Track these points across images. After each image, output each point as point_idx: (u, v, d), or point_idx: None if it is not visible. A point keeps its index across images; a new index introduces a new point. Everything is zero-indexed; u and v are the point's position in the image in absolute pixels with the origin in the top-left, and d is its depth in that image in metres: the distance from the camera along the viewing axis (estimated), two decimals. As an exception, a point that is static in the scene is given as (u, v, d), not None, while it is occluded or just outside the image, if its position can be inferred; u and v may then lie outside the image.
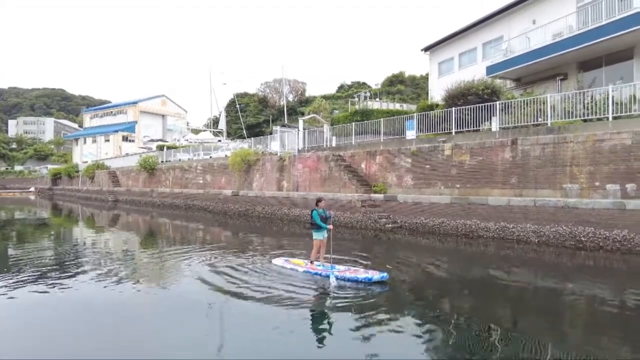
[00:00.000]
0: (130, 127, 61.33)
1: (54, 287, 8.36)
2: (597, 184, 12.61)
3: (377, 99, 37.52)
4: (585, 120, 14.31)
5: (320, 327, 6.41)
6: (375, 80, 69.71)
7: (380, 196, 17.92)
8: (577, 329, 6.35)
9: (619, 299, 7.84)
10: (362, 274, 8.73)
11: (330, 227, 9.21)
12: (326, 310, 7.09)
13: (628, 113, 13.52)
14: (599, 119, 13.99)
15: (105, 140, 61.13)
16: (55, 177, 57.95)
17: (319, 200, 9.61)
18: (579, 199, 12.72)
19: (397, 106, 33.63)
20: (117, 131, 60.22)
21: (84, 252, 12.97)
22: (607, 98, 13.82)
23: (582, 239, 12.08)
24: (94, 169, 46.05)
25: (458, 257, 12.03)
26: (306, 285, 8.37)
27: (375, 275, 8.47)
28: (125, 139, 59.98)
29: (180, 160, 35.89)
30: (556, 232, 12.63)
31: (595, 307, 7.36)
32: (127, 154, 49.32)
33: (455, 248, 13.12)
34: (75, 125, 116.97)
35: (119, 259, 11.57)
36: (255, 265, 10.19)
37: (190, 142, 44.51)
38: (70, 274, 9.51)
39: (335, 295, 7.79)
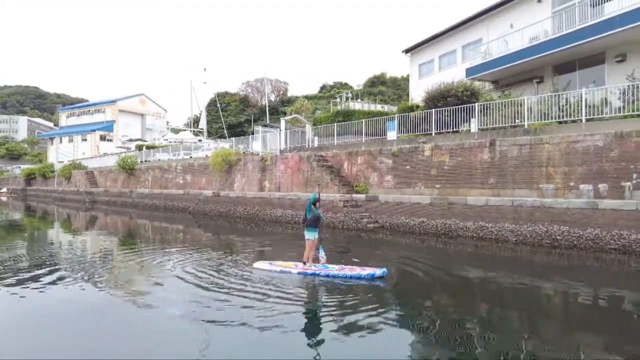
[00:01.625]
0: (109, 126, 60.04)
1: (24, 290, 8.12)
2: (571, 184, 12.98)
3: (359, 100, 37.76)
4: (560, 122, 14.71)
5: (315, 328, 6.34)
6: (357, 81, 70.07)
7: (362, 196, 18.03)
8: (553, 327, 6.51)
9: (592, 297, 8.08)
10: (362, 270, 8.88)
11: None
12: (320, 312, 7.08)
13: (600, 115, 13.99)
14: (573, 121, 14.40)
15: (83, 140, 59.69)
16: (29, 178, 56.27)
17: (316, 201, 9.63)
18: (555, 198, 13.06)
19: (379, 107, 33.93)
20: (94, 130, 58.87)
21: (57, 256, 12.59)
22: (581, 101, 14.25)
23: (558, 237, 12.42)
24: (70, 169, 44.87)
25: (439, 256, 12.18)
26: (296, 287, 8.29)
27: (377, 271, 8.76)
28: (103, 138, 58.69)
29: (159, 160, 35.34)
30: (533, 231, 12.95)
31: (570, 305, 7.59)
32: (105, 154, 48.28)
33: (436, 247, 13.30)
34: (51, 124, 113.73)
35: (94, 263, 11.19)
36: (240, 269, 9.88)
37: (170, 141, 43.88)
38: (41, 279, 9.13)
39: (329, 295, 7.83)
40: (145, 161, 36.71)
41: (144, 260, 11.30)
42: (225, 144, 30.98)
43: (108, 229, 19.96)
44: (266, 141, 25.04)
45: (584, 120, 13.95)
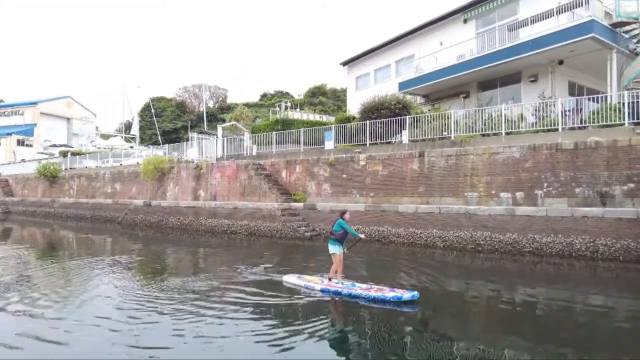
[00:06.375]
0: (28, 130, 55.19)
1: None
2: (493, 192, 13.96)
3: (298, 109, 38.06)
4: (483, 135, 15.82)
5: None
6: (299, 91, 70.40)
7: (300, 205, 18.08)
8: (479, 328, 6.90)
9: (511, 297, 8.66)
10: (389, 292, 7.98)
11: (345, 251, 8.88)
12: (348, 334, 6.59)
13: (517, 129, 15.24)
14: (495, 134, 15.56)
15: (-4, 144, 54.29)
16: None
17: (343, 212, 9.03)
18: (478, 206, 13.97)
19: (317, 117, 34.43)
20: (10, 134, 53.78)
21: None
22: (501, 116, 15.47)
23: (481, 242, 13.28)
24: (-21, 177, 40.55)
25: (374, 262, 12.45)
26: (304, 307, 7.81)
27: (405, 294, 7.75)
28: (21, 143, 53.75)
29: (86, 167, 33.07)
30: (459, 236, 13.73)
31: (493, 306, 8.07)
32: (23, 160, 44.26)
33: (369, 253, 13.57)
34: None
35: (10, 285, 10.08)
36: (260, 281, 9.32)
37: (99, 148, 41.31)
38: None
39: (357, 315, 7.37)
40: (70, 168, 34.18)
41: (70, 274, 10.44)
42: (158, 151, 29.70)
43: (23, 242, 18.17)
44: (202, 148, 24.38)
45: (503, 134, 15.13)
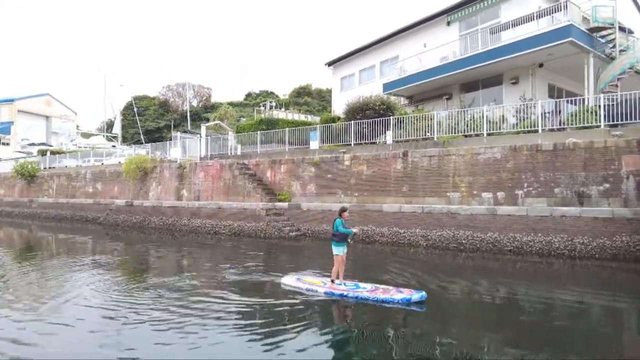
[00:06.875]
0: (4, 128, 53.67)
1: None
2: (474, 192, 14.18)
3: (283, 109, 37.99)
4: (466, 136, 16.06)
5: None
6: (284, 91, 70.03)
7: (284, 204, 18.06)
8: (481, 327, 6.96)
9: (492, 295, 8.83)
10: (396, 293, 7.77)
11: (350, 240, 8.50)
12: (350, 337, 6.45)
13: (499, 130, 15.52)
14: (477, 135, 15.82)
15: (-30, 143, 52.65)
16: None
17: (343, 210, 8.73)
18: (460, 205, 14.18)
19: (302, 117, 34.43)
20: (-15, 132, 52.29)
21: None
22: (483, 117, 15.72)
23: (463, 241, 13.48)
24: (-48, 176, 39.25)
25: (360, 262, 12.49)
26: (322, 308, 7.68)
27: (414, 295, 7.60)
28: (-4, 141, 52.31)
29: (66, 166, 32.39)
30: (441, 236, 13.92)
31: (476, 304, 8.19)
32: (-1, 159, 43.10)
33: (355, 252, 13.61)
34: None
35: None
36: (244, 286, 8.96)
37: (80, 146, 40.53)
38: None
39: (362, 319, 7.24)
40: (50, 167, 33.41)
41: (46, 275, 10.22)
42: (141, 150, 29.29)
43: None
44: (185, 148, 24.15)
45: (485, 135, 15.38)
